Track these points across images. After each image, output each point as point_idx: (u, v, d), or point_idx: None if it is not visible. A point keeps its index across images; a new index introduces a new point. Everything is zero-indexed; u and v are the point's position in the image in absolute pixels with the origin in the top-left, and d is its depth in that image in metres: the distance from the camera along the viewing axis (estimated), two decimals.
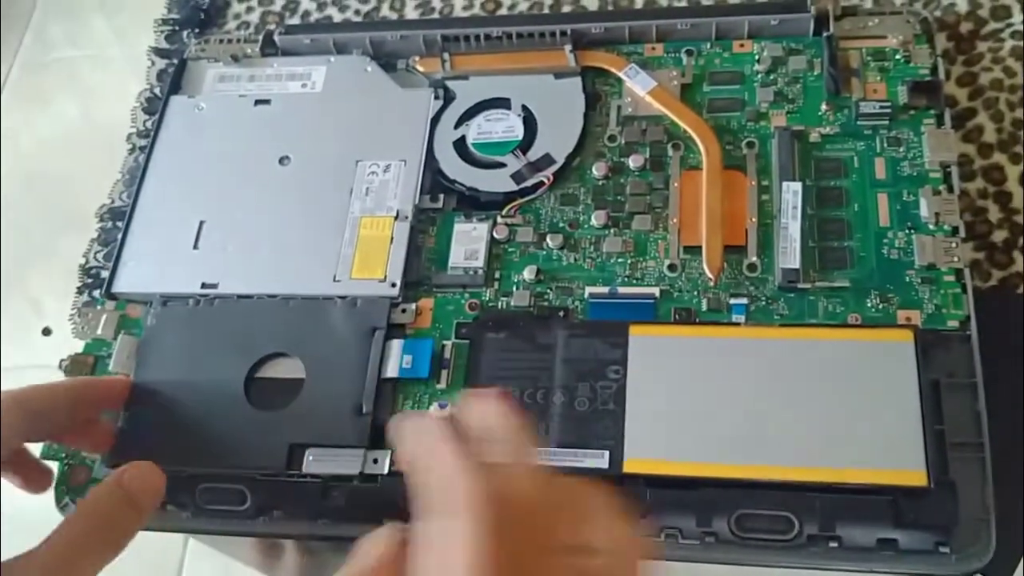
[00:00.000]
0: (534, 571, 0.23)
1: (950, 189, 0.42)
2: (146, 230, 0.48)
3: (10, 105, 0.67)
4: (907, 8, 0.48)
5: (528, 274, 0.44)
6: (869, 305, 0.40)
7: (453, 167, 0.48)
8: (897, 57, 0.46)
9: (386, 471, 0.40)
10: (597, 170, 0.46)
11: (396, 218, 0.46)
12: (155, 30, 0.59)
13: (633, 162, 0.46)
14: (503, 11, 0.57)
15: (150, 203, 0.49)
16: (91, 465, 0.43)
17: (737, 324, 0.41)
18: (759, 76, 0.47)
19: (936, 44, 0.46)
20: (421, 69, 0.51)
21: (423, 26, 0.52)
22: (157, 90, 0.55)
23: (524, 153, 0.47)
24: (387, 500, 0.39)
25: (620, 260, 0.44)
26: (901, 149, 0.44)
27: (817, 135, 0.45)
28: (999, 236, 0.45)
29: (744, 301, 0.41)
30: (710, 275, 0.42)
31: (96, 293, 0.48)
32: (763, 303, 0.41)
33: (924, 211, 0.41)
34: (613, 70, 0.48)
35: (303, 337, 0.43)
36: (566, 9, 0.56)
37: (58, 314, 0.52)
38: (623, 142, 0.47)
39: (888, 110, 0.44)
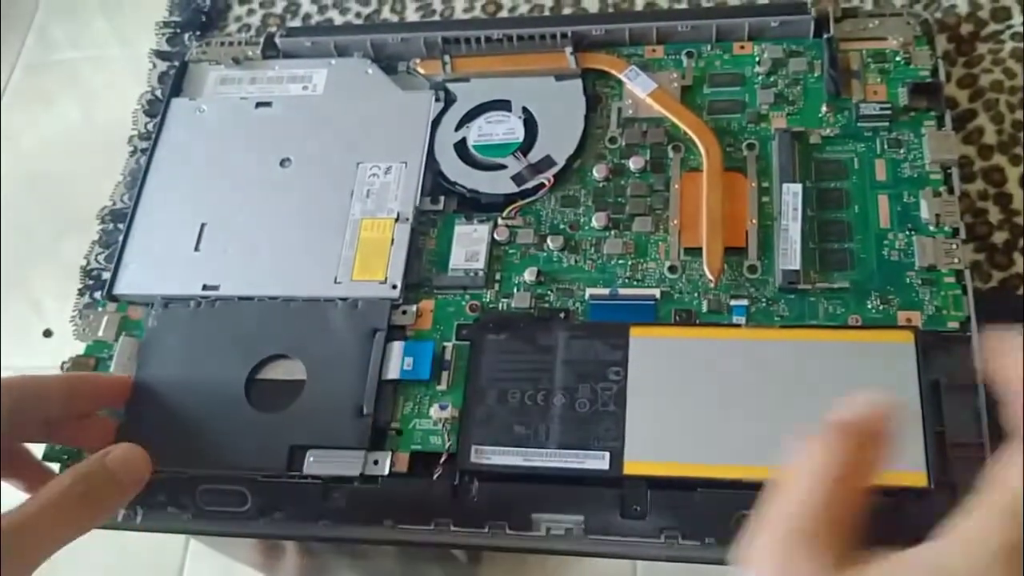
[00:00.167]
0: None
1: (950, 191, 0.42)
2: (147, 232, 0.48)
3: (12, 106, 0.67)
4: (907, 10, 0.48)
5: (529, 276, 0.44)
6: (869, 306, 0.40)
7: (454, 169, 0.48)
8: (897, 59, 0.46)
9: (387, 472, 0.40)
10: (598, 172, 0.46)
11: (397, 220, 0.46)
12: (156, 32, 0.59)
13: (634, 164, 0.46)
14: (504, 13, 0.57)
15: (151, 205, 0.49)
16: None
17: (737, 325, 0.41)
18: (759, 78, 0.47)
19: (936, 46, 0.46)
20: (422, 71, 0.51)
21: (424, 28, 0.52)
22: (158, 92, 0.55)
23: (525, 155, 0.47)
24: (388, 501, 0.39)
25: (621, 262, 0.44)
26: (901, 151, 0.44)
27: (817, 137, 0.45)
28: (999, 237, 0.45)
29: (744, 302, 0.41)
30: (710, 277, 0.42)
31: (97, 295, 0.48)
32: (763, 304, 0.41)
33: (924, 212, 0.42)
34: (614, 72, 0.49)
35: (304, 339, 0.43)
36: (567, 11, 0.56)
37: (59, 316, 0.52)
38: (624, 144, 0.47)
39: (888, 112, 0.44)
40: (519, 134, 0.48)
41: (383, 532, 0.39)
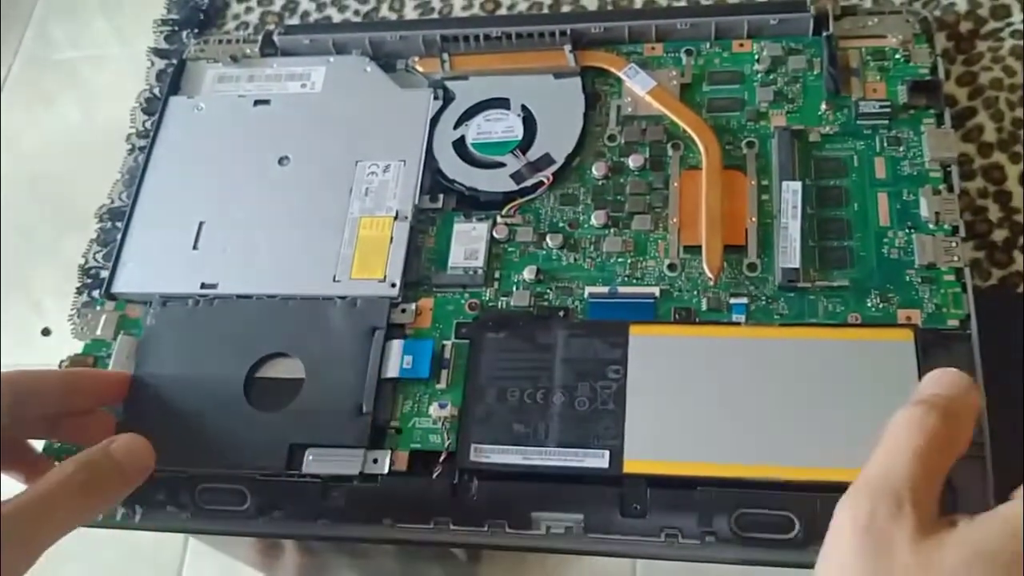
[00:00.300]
0: None
1: (950, 188, 0.42)
2: (145, 230, 0.48)
3: (11, 106, 0.67)
4: (906, 8, 0.48)
5: (528, 274, 0.44)
6: (869, 304, 0.40)
7: (452, 167, 0.48)
8: (897, 57, 0.46)
9: (386, 471, 0.40)
10: (597, 170, 0.46)
11: (396, 218, 0.46)
12: (154, 30, 0.59)
13: (633, 162, 0.46)
14: (502, 11, 0.57)
15: (149, 203, 0.49)
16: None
17: (737, 324, 0.41)
18: (759, 76, 0.47)
19: (936, 43, 0.46)
20: (420, 69, 0.51)
21: (422, 26, 0.52)
22: (156, 90, 0.55)
23: (524, 153, 0.47)
24: (387, 500, 0.39)
25: (620, 260, 0.44)
26: (901, 148, 0.44)
27: (817, 135, 0.45)
28: (999, 235, 0.45)
29: (744, 301, 0.41)
30: (710, 275, 0.42)
31: (96, 293, 0.48)
32: (763, 303, 0.41)
33: (924, 210, 0.41)
34: (613, 70, 0.48)
35: (303, 337, 0.43)
36: (565, 9, 0.56)
37: (58, 314, 0.52)
38: (623, 142, 0.47)
39: (888, 110, 0.44)
40: (518, 132, 0.48)
41: (382, 531, 0.39)
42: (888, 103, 0.44)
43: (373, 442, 0.40)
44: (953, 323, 0.39)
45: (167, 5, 0.61)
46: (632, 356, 0.39)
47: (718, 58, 0.48)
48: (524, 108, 0.48)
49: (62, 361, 0.46)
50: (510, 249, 0.45)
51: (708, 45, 0.49)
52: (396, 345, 0.42)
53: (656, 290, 0.42)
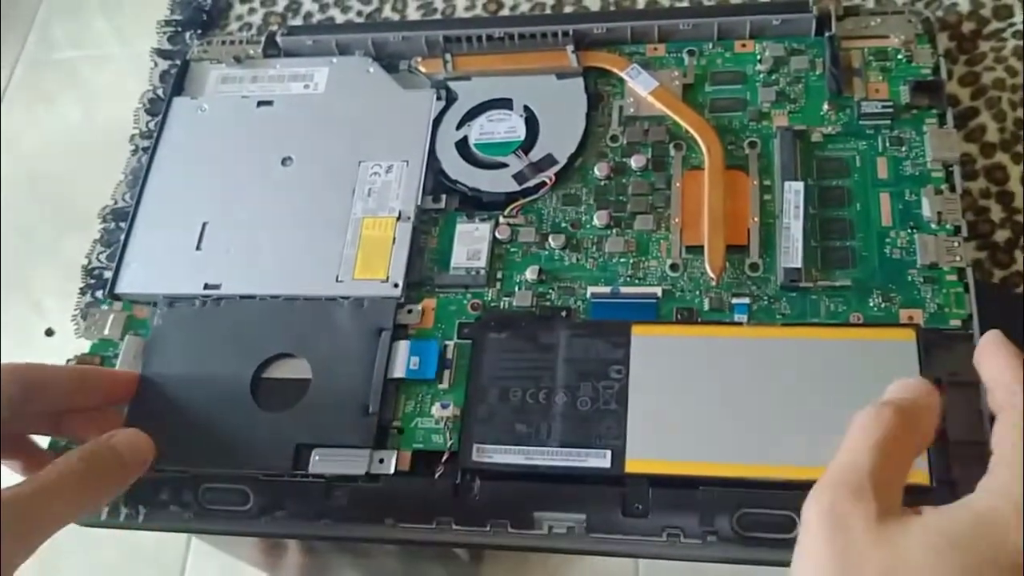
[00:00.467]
0: None
1: (952, 188, 0.42)
2: (149, 231, 0.48)
3: (13, 105, 0.67)
4: (909, 8, 0.48)
5: (530, 274, 0.44)
6: (871, 304, 0.40)
7: (455, 167, 0.48)
8: (899, 57, 0.46)
9: (392, 471, 0.40)
10: (599, 170, 0.46)
11: (398, 219, 0.46)
12: (157, 31, 0.59)
13: (635, 162, 0.46)
14: (505, 12, 0.57)
15: (153, 204, 0.49)
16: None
17: (739, 324, 0.41)
18: (761, 76, 0.47)
19: (938, 44, 0.46)
20: (423, 70, 0.51)
21: (425, 27, 0.52)
22: (160, 91, 0.55)
23: (526, 153, 0.47)
24: (389, 500, 0.39)
25: (622, 260, 0.44)
26: (903, 149, 0.44)
27: (819, 135, 0.45)
28: (1001, 235, 0.45)
29: (746, 301, 0.41)
30: (712, 275, 0.42)
31: (99, 294, 0.48)
32: (765, 303, 0.41)
33: (926, 210, 0.42)
34: (615, 70, 0.49)
35: (309, 338, 0.43)
36: (568, 10, 0.56)
37: (60, 315, 0.52)
38: (625, 142, 0.47)
39: (890, 110, 0.44)
40: (520, 132, 0.48)
41: (385, 531, 0.40)
42: (890, 103, 0.44)
43: (379, 442, 0.40)
44: (955, 323, 0.39)
45: (170, 6, 0.61)
46: (634, 356, 0.39)
47: (720, 58, 0.48)
48: (527, 108, 0.49)
49: (69, 360, 0.46)
50: (512, 249, 0.45)
51: (710, 45, 0.49)
52: (403, 346, 0.42)
53: (658, 290, 0.42)
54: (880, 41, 0.47)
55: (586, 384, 0.39)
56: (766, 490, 0.36)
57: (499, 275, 0.44)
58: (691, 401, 0.38)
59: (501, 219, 0.46)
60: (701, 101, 0.47)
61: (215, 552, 0.50)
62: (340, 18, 0.59)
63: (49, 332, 0.56)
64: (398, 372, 0.42)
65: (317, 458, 0.40)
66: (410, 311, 0.44)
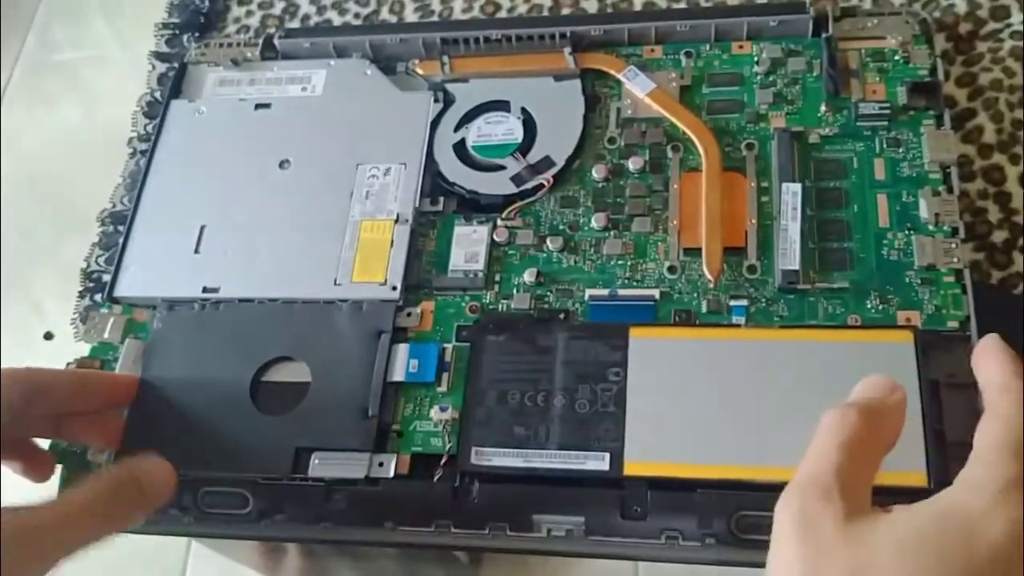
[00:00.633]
0: None
1: (950, 190, 0.42)
2: (147, 234, 0.48)
3: (12, 106, 0.67)
4: (906, 9, 0.48)
5: (528, 276, 0.44)
6: (869, 306, 0.40)
7: (453, 170, 0.48)
8: (896, 58, 0.46)
9: (392, 475, 0.40)
10: (597, 172, 0.46)
11: (396, 221, 0.46)
12: (155, 34, 0.59)
13: (633, 164, 0.46)
14: (502, 14, 0.57)
15: (151, 207, 0.49)
16: (94, 470, 0.43)
17: (737, 326, 0.41)
18: (758, 77, 0.47)
19: (935, 45, 0.46)
20: (421, 72, 0.51)
21: (422, 29, 0.52)
22: (157, 94, 0.55)
23: (524, 156, 0.47)
24: (388, 503, 0.40)
25: (620, 262, 0.44)
26: (900, 150, 0.44)
27: (816, 136, 0.45)
28: (999, 237, 0.45)
29: (744, 303, 0.41)
30: (710, 277, 0.42)
31: (98, 297, 0.48)
32: (763, 305, 0.41)
33: (924, 212, 0.42)
34: (612, 72, 0.49)
35: (309, 341, 0.43)
36: (565, 11, 0.56)
37: (58, 316, 0.52)
38: (622, 144, 0.47)
39: (887, 111, 0.44)
40: (518, 135, 0.48)
41: (384, 534, 0.40)
42: (888, 104, 0.44)
43: (379, 445, 0.40)
44: (953, 324, 0.39)
45: (168, 9, 0.61)
46: (632, 358, 0.39)
47: (717, 60, 0.48)
48: (524, 111, 0.49)
49: (69, 363, 0.46)
50: (510, 252, 0.45)
51: (707, 47, 0.49)
52: (402, 349, 0.42)
53: (656, 292, 0.42)
54: (877, 42, 0.47)
55: (584, 387, 0.39)
56: (764, 492, 0.36)
57: (497, 277, 0.44)
58: (689, 403, 0.38)
59: (499, 221, 0.46)
60: (698, 103, 0.47)
61: (215, 556, 0.50)
62: (337, 20, 0.59)
63: (48, 336, 0.56)
64: (398, 375, 0.42)
65: (317, 462, 0.40)
66: (409, 314, 0.44)
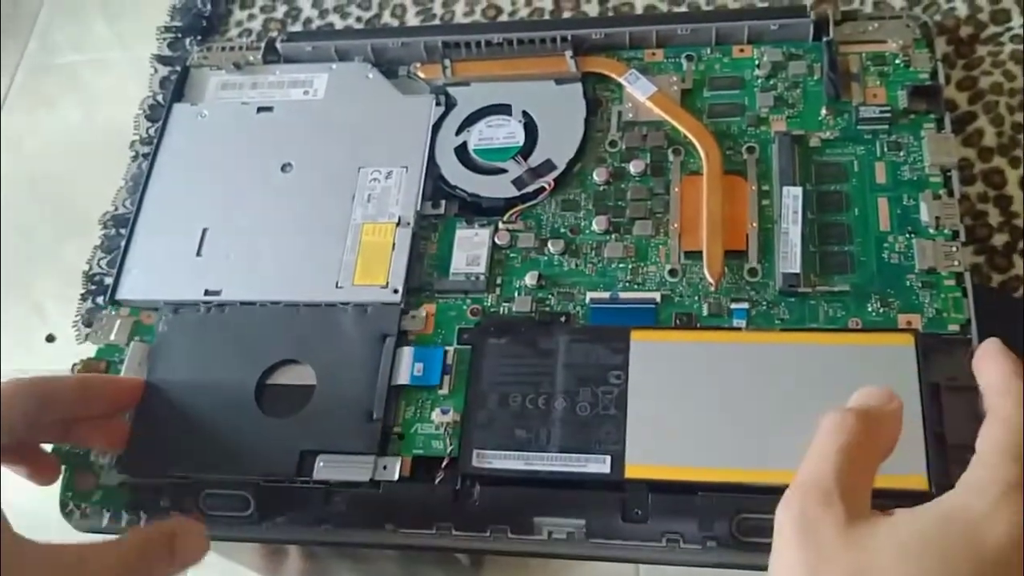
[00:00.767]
0: None
1: (950, 193, 0.42)
2: (149, 237, 0.48)
3: (14, 109, 0.67)
4: (907, 13, 0.48)
5: (530, 279, 0.44)
6: (870, 309, 0.40)
7: (454, 173, 0.48)
8: (897, 62, 0.46)
9: (396, 477, 0.40)
10: (598, 175, 0.46)
11: (398, 224, 0.46)
12: (157, 37, 0.60)
13: (634, 167, 0.46)
14: (504, 17, 0.57)
15: (153, 210, 0.49)
16: (98, 472, 0.43)
17: (738, 329, 0.41)
18: (759, 81, 0.47)
19: (936, 48, 0.46)
20: (422, 75, 0.51)
21: (424, 33, 0.52)
22: (160, 97, 0.55)
23: (525, 159, 0.47)
24: (390, 505, 0.40)
25: (621, 265, 0.44)
26: (901, 153, 0.44)
27: (817, 140, 0.45)
28: (999, 240, 0.45)
29: (745, 306, 0.41)
30: (711, 280, 0.42)
31: (100, 300, 0.49)
32: (764, 308, 0.41)
33: (924, 215, 0.42)
34: (614, 76, 0.49)
35: (314, 344, 0.43)
36: (566, 15, 0.56)
37: (59, 318, 0.52)
38: (624, 147, 0.47)
39: (888, 115, 0.44)
40: (519, 138, 0.48)
41: (385, 536, 0.40)
42: (888, 108, 0.44)
43: (383, 448, 0.40)
44: (953, 328, 0.39)
45: (170, 12, 0.62)
46: (633, 361, 0.40)
47: (718, 63, 0.48)
48: (525, 114, 0.49)
49: (75, 365, 0.46)
50: (512, 255, 0.45)
51: (708, 51, 0.49)
52: (407, 352, 0.42)
53: (657, 295, 0.42)
54: (878, 46, 0.47)
55: (585, 389, 0.39)
56: (765, 495, 0.36)
57: (499, 280, 0.45)
58: (690, 406, 0.38)
59: (500, 224, 0.46)
60: (699, 106, 0.47)
61: (216, 558, 0.50)
62: (339, 24, 0.59)
63: (50, 338, 0.57)
64: (402, 378, 0.42)
65: (321, 464, 0.40)
66: (413, 317, 0.44)
